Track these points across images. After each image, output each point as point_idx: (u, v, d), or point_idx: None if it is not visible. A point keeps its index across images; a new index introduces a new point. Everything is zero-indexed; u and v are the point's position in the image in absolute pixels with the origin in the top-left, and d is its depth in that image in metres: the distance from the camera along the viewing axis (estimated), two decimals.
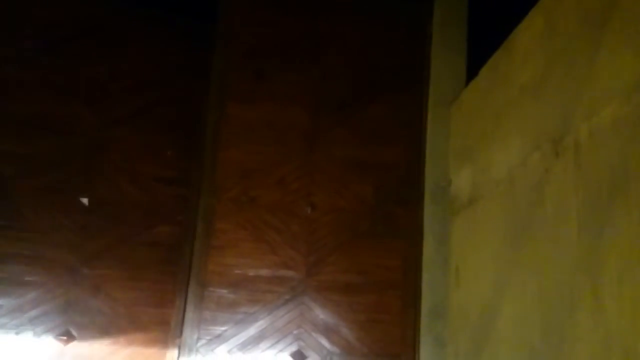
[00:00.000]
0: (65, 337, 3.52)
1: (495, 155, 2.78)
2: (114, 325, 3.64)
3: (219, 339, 3.34)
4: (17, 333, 3.44)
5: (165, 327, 3.75)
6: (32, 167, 3.60)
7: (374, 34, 3.76)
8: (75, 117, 3.74)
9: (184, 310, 3.47)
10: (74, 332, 3.55)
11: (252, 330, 3.36)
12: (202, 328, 3.35)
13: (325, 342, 3.35)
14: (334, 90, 3.68)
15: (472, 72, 3.44)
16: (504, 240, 2.59)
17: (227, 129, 3.60)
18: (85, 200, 3.70)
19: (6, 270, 3.46)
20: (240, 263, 3.44)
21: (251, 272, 3.43)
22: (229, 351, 3.33)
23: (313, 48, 3.72)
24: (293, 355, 3.33)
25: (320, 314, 3.39)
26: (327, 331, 3.36)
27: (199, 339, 3.34)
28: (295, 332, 3.36)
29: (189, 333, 3.35)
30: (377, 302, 3.41)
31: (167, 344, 3.72)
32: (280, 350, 3.33)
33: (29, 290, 3.51)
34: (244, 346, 3.33)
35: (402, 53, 3.75)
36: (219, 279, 3.41)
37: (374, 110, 3.65)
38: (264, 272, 3.44)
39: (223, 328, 3.35)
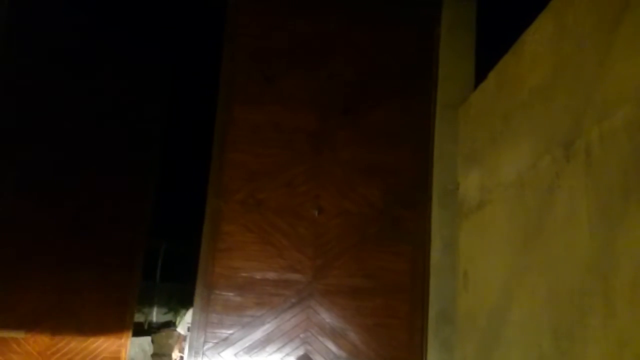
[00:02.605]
0: (50, 335, 3.65)
1: (504, 159, 2.76)
2: (87, 325, 3.99)
3: (226, 342, 3.32)
4: (10, 331, 3.52)
5: (122, 324, 4.07)
6: (32, 175, 3.71)
7: (381, 38, 3.75)
8: (63, 129, 3.90)
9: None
10: (58, 331, 3.71)
11: (258, 333, 3.35)
12: (208, 331, 3.33)
13: (332, 346, 3.33)
14: (341, 93, 3.67)
15: (480, 75, 3.43)
16: (514, 244, 2.57)
17: (235, 132, 3.60)
18: (70, 207, 3.88)
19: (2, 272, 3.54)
20: (247, 266, 3.43)
21: (258, 275, 3.42)
22: (236, 354, 3.31)
23: (320, 51, 3.71)
24: (300, 359, 3.31)
25: (327, 317, 3.37)
26: (334, 335, 3.35)
27: (205, 342, 3.32)
28: (302, 335, 3.35)
29: (195, 336, 3.33)
30: (384, 306, 3.39)
31: (123, 339, 4.16)
32: (287, 354, 3.31)
33: (22, 291, 3.61)
34: (251, 350, 3.32)
35: (410, 56, 3.74)
36: (226, 282, 3.40)
37: (381, 113, 3.64)
38: (271, 275, 3.43)
39: (229, 331, 3.34)
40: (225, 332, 3.34)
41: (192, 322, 3.38)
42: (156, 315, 8.59)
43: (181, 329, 4.56)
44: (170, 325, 8.20)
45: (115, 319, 4.15)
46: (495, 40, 3.48)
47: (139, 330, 6.54)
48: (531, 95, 2.51)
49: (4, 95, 3.63)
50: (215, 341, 3.33)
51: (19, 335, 3.55)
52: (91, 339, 3.97)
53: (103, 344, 4.02)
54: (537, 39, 2.53)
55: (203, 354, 3.32)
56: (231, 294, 3.40)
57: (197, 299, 3.39)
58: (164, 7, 4.35)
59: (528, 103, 2.53)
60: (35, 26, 3.81)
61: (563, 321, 2.11)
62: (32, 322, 3.66)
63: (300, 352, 3.33)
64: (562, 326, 2.11)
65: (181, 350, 4.44)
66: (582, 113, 2.08)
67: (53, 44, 3.91)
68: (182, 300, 8.46)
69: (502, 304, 2.64)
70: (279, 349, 3.32)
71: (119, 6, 4.30)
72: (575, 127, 2.12)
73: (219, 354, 3.31)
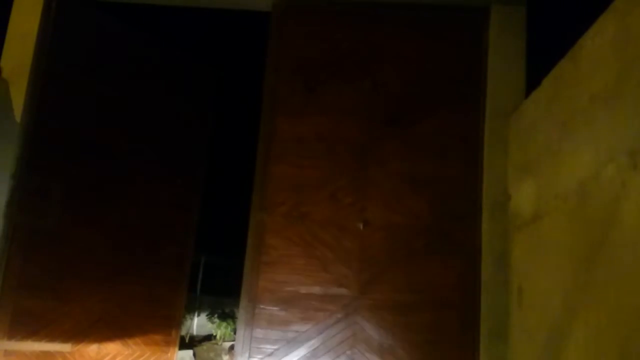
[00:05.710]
0: (97, 349, 3.67)
1: (562, 169, 2.63)
2: (133, 339, 4.00)
3: (271, 357, 3.25)
4: (56, 344, 3.54)
5: (168, 339, 4.06)
6: (78, 189, 3.75)
7: (427, 46, 3.66)
8: (109, 144, 3.95)
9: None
10: (104, 345, 3.72)
11: (303, 349, 3.27)
12: (253, 346, 3.27)
13: None
14: (386, 103, 3.58)
15: (530, 83, 3.30)
16: (575, 259, 2.44)
17: (278, 143, 3.55)
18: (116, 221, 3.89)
19: (45, 281, 3.56)
20: (292, 280, 3.36)
21: (303, 290, 3.35)
22: None
23: (365, 61, 3.64)
24: None
25: (374, 334, 3.27)
26: (382, 352, 3.24)
27: (250, 357, 3.25)
28: (348, 352, 3.25)
29: (240, 351, 3.27)
30: (434, 322, 3.27)
31: (169, 354, 4.19)
32: None
33: (68, 304, 3.62)
34: None
35: (458, 65, 3.62)
36: (270, 296, 3.34)
37: (428, 123, 3.54)
38: (316, 289, 3.35)
39: (274, 347, 3.27)
40: (270, 348, 3.27)
41: (237, 337, 3.32)
42: (197, 327, 8.63)
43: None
44: (211, 338, 8.21)
45: (161, 333, 4.15)
46: (545, 46, 3.37)
47: (180, 343, 6.55)
48: (592, 102, 2.39)
49: (51, 111, 3.67)
50: (260, 356, 3.26)
51: (65, 349, 3.55)
52: (137, 353, 3.98)
53: (149, 358, 4.02)
54: (598, 43, 2.40)
55: None
56: (276, 308, 3.33)
57: (242, 313, 3.33)
58: (208, 20, 4.37)
59: (589, 110, 2.41)
60: (80, 40, 3.85)
61: (632, 341, 1.97)
62: (78, 336, 3.66)
63: None
64: (630, 346, 1.98)
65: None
66: None
67: (98, 57, 3.95)
68: (222, 313, 8.48)
69: (563, 322, 2.50)
70: None
71: (161, 19, 4.34)
72: None
73: None
